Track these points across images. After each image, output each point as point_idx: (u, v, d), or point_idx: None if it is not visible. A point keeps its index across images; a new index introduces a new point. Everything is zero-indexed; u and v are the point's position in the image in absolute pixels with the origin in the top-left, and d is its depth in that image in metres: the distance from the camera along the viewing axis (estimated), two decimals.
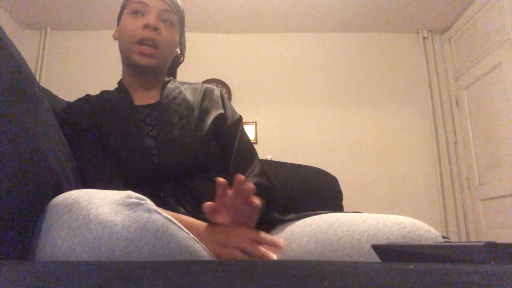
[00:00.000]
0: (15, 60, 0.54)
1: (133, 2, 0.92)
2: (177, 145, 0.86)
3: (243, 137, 0.97)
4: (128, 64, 0.94)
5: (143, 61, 0.90)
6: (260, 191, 0.85)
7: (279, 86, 3.37)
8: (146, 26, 0.89)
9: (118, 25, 0.99)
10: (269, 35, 3.48)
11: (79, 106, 0.92)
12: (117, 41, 0.97)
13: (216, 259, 0.64)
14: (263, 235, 0.67)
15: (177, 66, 1.09)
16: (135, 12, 0.92)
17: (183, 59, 1.07)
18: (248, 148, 0.95)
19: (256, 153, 0.97)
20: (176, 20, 0.96)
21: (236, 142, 0.94)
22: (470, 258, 0.39)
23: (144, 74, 0.94)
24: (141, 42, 0.89)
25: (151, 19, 0.90)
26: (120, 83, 0.99)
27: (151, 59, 0.90)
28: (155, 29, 0.89)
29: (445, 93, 3.36)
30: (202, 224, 0.72)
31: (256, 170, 0.90)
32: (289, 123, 3.30)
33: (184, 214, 0.80)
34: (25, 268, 0.33)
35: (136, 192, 0.51)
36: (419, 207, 3.13)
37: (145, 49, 0.89)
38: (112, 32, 1.00)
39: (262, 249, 0.64)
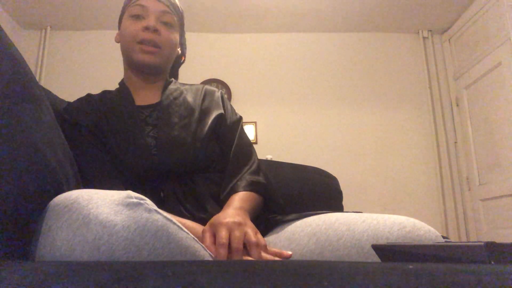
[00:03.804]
0: (15, 60, 0.54)
1: (133, 5, 0.94)
2: (177, 144, 0.86)
3: (243, 136, 0.97)
4: (131, 64, 0.95)
5: (146, 58, 0.91)
6: (255, 188, 0.85)
7: (279, 86, 3.37)
8: (146, 28, 0.91)
9: (119, 28, 1.01)
10: (269, 35, 3.48)
11: (80, 105, 0.93)
12: (119, 43, 0.99)
13: (216, 259, 0.64)
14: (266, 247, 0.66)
15: (179, 67, 1.10)
16: (135, 16, 0.94)
17: (184, 60, 1.09)
18: (247, 147, 0.96)
19: (255, 152, 0.98)
20: (176, 21, 0.98)
21: (235, 141, 0.94)
22: (470, 258, 0.39)
23: (146, 73, 0.95)
24: (142, 42, 0.91)
25: (150, 21, 0.92)
26: (121, 83, 0.99)
27: (153, 56, 0.92)
28: (155, 30, 0.91)
29: (445, 93, 3.36)
30: (202, 227, 0.73)
31: (253, 168, 0.90)
32: (289, 123, 3.30)
33: (184, 213, 0.80)
34: (25, 268, 0.33)
35: (136, 191, 0.51)
36: (419, 207, 3.13)
37: (147, 47, 0.91)
38: (112, 32, 1.02)
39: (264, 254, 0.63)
